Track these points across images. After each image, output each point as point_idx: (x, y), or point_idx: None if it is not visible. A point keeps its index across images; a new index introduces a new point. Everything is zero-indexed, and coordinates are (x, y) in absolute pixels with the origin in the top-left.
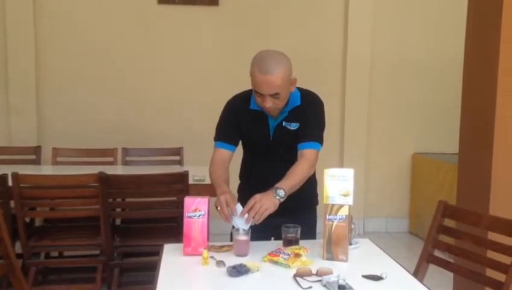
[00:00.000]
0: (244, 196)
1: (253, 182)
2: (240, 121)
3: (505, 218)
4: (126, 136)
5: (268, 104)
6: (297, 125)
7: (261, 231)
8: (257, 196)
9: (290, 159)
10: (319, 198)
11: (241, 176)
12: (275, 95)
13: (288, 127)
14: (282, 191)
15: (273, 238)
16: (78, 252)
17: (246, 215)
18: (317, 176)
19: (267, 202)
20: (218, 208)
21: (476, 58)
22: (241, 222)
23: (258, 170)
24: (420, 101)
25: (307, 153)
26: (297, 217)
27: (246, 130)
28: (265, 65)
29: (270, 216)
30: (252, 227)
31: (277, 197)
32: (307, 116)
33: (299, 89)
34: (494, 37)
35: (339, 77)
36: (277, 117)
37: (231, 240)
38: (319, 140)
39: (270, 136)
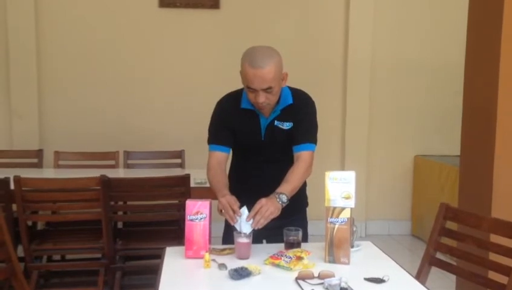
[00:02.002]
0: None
1: (242, 183)
2: (232, 121)
3: (507, 220)
4: (128, 139)
5: (262, 99)
6: (290, 125)
7: (253, 234)
8: (263, 201)
9: (281, 159)
10: (309, 200)
11: (229, 177)
12: (267, 90)
13: (280, 126)
14: (284, 196)
15: (264, 241)
16: (80, 256)
17: (251, 219)
18: (315, 179)
19: (272, 207)
20: (223, 211)
21: (477, 61)
22: (246, 226)
23: (247, 170)
24: (421, 103)
25: (304, 155)
26: (288, 219)
27: (237, 130)
28: (257, 59)
29: None
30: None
31: (280, 203)
32: (302, 116)
33: (289, 87)
34: (494, 40)
35: (340, 79)
36: (269, 116)
37: (223, 243)
38: (314, 141)
39: (262, 135)
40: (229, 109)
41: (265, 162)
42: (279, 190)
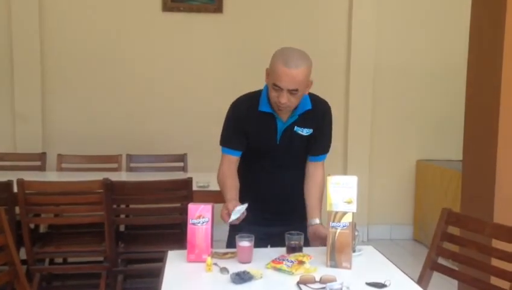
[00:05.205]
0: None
1: (249, 184)
2: (247, 124)
3: (509, 226)
4: (130, 143)
5: (284, 99)
6: (309, 131)
7: (257, 240)
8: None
9: (290, 163)
10: None
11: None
12: (292, 91)
13: (300, 132)
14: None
15: (269, 246)
16: (82, 259)
17: (241, 207)
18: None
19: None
20: (229, 220)
21: (479, 66)
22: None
23: (256, 173)
24: (424, 107)
25: (321, 166)
26: (292, 225)
27: (252, 132)
28: (292, 59)
29: (265, 225)
30: (247, 236)
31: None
32: (323, 126)
33: (308, 92)
34: (497, 44)
35: (342, 83)
36: (286, 120)
37: (227, 247)
38: (329, 150)
39: (277, 139)
40: (245, 111)
41: (275, 166)
42: (318, 217)
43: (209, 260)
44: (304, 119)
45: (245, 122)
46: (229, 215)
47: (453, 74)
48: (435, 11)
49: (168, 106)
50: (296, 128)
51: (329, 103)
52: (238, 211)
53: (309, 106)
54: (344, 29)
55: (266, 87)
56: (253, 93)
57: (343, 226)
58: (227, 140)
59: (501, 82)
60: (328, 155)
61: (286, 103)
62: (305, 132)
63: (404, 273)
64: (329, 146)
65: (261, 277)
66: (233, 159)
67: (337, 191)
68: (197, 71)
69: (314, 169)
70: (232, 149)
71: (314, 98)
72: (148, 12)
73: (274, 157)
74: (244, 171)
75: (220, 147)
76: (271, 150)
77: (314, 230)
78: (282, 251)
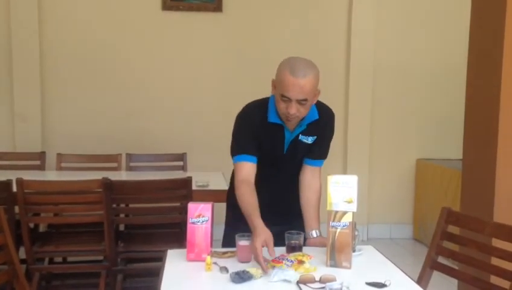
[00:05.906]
0: (237, 208)
1: None
2: (258, 133)
3: (509, 225)
4: (130, 142)
5: (293, 110)
6: (313, 139)
7: None
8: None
9: (293, 170)
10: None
11: None
12: (301, 101)
13: (305, 140)
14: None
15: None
16: (81, 258)
17: (291, 274)
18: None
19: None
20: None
21: (479, 64)
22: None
23: (259, 180)
24: (424, 106)
25: (318, 173)
26: (290, 225)
27: (261, 142)
28: (297, 68)
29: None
30: (247, 235)
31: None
32: (325, 133)
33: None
34: (497, 44)
35: (342, 83)
36: (293, 130)
37: (223, 247)
38: (326, 157)
39: (284, 149)
40: (257, 121)
41: (279, 172)
42: (317, 228)
43: (208, 259)
44: (310, 128)
45: (258, 131)
46: (265, 257)
47: (453, 74)
48: (435, 11)
49: (167, 105)
50: (301, 136)
51: (327, 102)
52: (283, 275)
53: (316, 116)
54: (344, 29)
55: (273, 97)
56: (260, 102)
57: (343, 226)
58: (243, 147)
59: (501, 82)
60: (328, 154)
61: (295, 113)
62: (309, 140)
63: (404, 272)
64: (327, 152)
65: (261, 276)
66: (251, 168)
67: (337, 191)
68: (196, 70)
69: (311, 177)
70: (249, 155)
71: (320, 106)
72: (148, 11)
73: (279, 166)
74: None
75: (220, 148)
76: (277, 159)
77: (315, 243)
78: (281, 250)
